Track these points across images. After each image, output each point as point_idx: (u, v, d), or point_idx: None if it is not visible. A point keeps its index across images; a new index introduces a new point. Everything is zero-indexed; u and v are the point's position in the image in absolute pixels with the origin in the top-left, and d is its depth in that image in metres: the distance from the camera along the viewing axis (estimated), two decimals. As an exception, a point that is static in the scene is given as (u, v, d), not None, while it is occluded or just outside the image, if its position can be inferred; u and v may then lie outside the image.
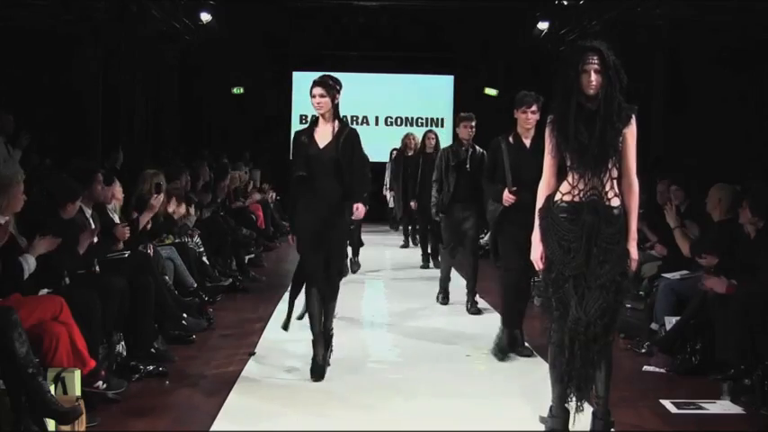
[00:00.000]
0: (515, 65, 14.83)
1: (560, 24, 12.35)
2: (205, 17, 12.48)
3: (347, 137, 5.15)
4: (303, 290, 5.23)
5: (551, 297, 3.88)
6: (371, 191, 9.43)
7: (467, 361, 5.71)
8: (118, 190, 6.28)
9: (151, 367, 5.07)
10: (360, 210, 5.20)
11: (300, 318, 5.36)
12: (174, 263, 6.66)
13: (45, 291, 4.66)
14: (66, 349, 4.23)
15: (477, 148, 7.17)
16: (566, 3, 11.84)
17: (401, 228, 12.38)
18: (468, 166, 7.12)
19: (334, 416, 4.46)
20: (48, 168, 8.49)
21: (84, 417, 4.01)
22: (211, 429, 4.22)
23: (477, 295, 7.34)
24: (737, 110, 10.52)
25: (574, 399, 3.91)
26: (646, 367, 5.48)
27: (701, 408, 4.68)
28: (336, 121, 5.19)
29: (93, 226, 5.42)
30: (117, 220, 6.01)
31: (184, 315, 6.03)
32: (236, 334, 6.32)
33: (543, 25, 12.73)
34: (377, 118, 16.35)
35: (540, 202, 3.97)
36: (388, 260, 10.80)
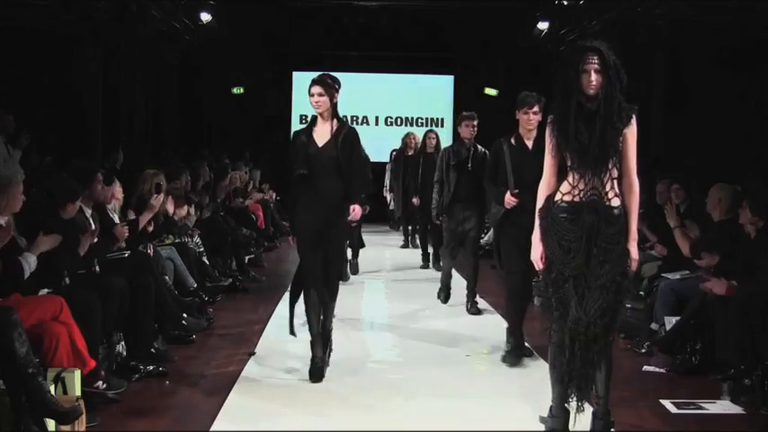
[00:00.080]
0: (515, 65, 14.83)
1: (560, 24, 12.34)
2: (205, 17, 12.47)
3: (346, 136, 5.13)
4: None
5: (551, 297, 3.88)
6: (372, 192, 9.48)
7: (467, 361, 5.71)
8: (118, 190, 6.28)
9: (151, 367, 5.07)
10: (356, 211, 5.17)
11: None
12: (174, 263, 6.66)
13: (45, 291, 4.66)
14: (66, 349, 4.23)
15: (479, 147, 7.14)
16: (566, 3, 11.83)
17: (401, 228, 12.38)
18: (469, 165, 7.09)
19: (334, 416, 4.47)
20: (48, 166, 8.50)
21: (84, 417, 4.01)
22: (211, 429, 4.22)
23: (477, 295, 7.33)
24: (737, 110, 10.52)
25: (574, 399, 3.91)
26: (646, 367, 5.48)
27: (701, 408, 4.68)
28: (335, 120, 5.16)
29: (93, 226, 5.42)
30: (117, 220, 6.02)
31: (184, 315, 6.03)
32: (236, 334, 6.32)
33: (543, 25, 12.72)
34: (377, 118, 16.35)
35: (540, 202, 3.97)
36: (387, 260, 10.79)
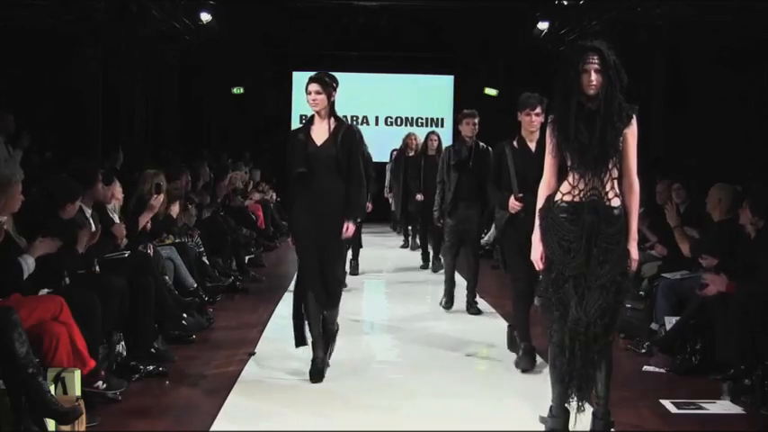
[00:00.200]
0: (515, 65, 14.84)
1: (560, 24, 12.35)
2: (205, 17, 12.48)
3: (345, 134, 5.08)
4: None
5: (551, 297, 3.88)
6: (375, 190, 9.45)
7: (467, 361, 5.71)
8: (118, 190, 6.28)
9: (151, 367, 5.07)
10: (350, 230, 5.07)
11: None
12: (174, 263, 6.66)
13: (45, 291, 4.66)
14: (66, 349, 4.23)
15: (481, 144, 7.07)
16: (566, 3, 11.84)
17: (401, 229, 12.38)
18: (470, 164, 7.02)
19: (335, 416, 4.46)
20: (48, 163, 8.51)
21: (84, 417, 4.01)
22: (211, 429, 4.22)
23: (477, 296, 7.32)
24: (737, 110, 10.52)
25: (574, 399, 3.91)
26: (646, 367, 5.48)
27: (701, 408, 4.68)
28: (332, 119, 5.11)
29: (93, 226, 5.42)
30: (117, 220, 6.01)
31: (184, 315, 6.03)
32: (236, 334, 6.32)
33: (543, 25, 12.73)
34: (377, 118, 16.35)
35: (540, 202, 3.97)
36: (388, 261, 10.79)
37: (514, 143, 5.48)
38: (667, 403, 4.71)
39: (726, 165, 9.10)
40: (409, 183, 9.74)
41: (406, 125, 15.94)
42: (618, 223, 3.83)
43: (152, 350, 5.32)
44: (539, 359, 5.29)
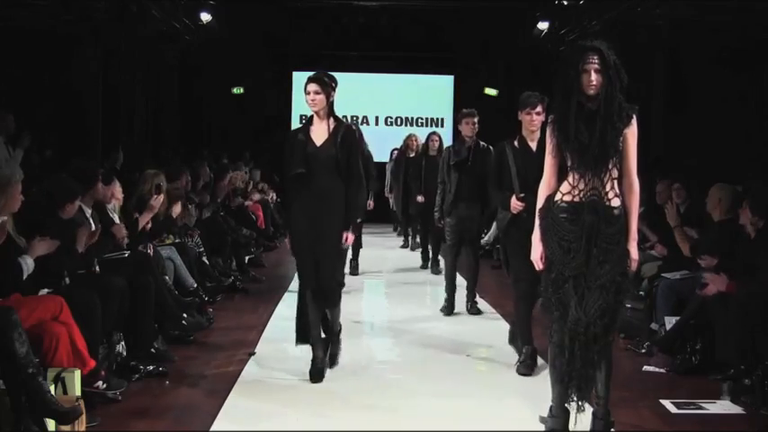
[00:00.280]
0: (515, 65, 14.84)
1: (560, 24, 12.35)
2: (205, 17, 12.48)
3: (345, 134, 5.06)
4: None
5: (551, 297, 3.88)
6: (377, 189, 9.43)
7: (467, 361, 5.70)
8: (118, 190, 6.28)
9: (151, 367, 5.07)
10: (348, 239, 5.08)
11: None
12: (174, 263, 6.66)
13: (45, 291, 4.66)
14: (66, 349, 4.23)
15: (482, 143, 7.04)
16: (566, 3, 11.84)
17: (400, 229, 12.38)
18: (470, 163, 6.99)
19: (335, 416, 4.46)
20: (49, 162, 8.51)
21: (84, 417, 4.01)
22: (211, 429, 4.22)
23: (477, 295, 7.32)
24: (737, 110, 10.52)
25: (574, 399, 3.91)
26: (646, 367, 5.47)
27: (701, 408, 4.68)
28: (332, 119, 5.09)
29: (93, 226, 5.42)
30: (117, 220, 6.01)
31: (184, 315, 6.03)
32: (236, 334, 6.32)
33: (543, 25, 12.73)
34: (377, 118, 16.36)
35: (540, 202, 3.97)
36: (388, 261, 10.79)
37: (515, 143, 5.43)
38: (667, 403, 4.71)
39: (726, 165, 9.09)
40: (410, 183, 9.72)
41: (406, 125, 15.95)
42: (618, 223, 3.82)
43: (152, 350, 5.32)
44: (539, 360, 5.28)
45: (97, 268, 5.41)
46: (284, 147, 5.19)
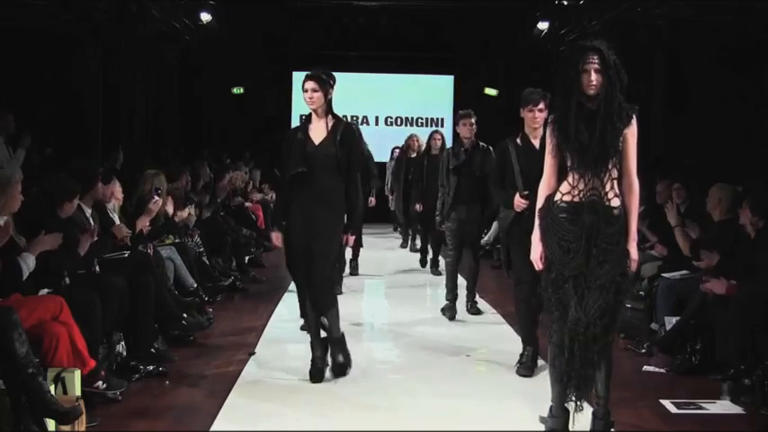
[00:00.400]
0: (515, 65, 14.83)
1: (560, 24, 12.35)
2: (205, 17, 12.48)
3: (344, 133, 5.00)
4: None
5: (551, 297, 3.88)
6: (378, 185, 9.37)
7: (467, 361, 5.70)
8: (118, 190, 6.28)
9: (151, 367, 5.08)
10: (350, 241, 5.10)
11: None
12: (174, 263, 6.66)
13: (45, 291, 4.66)
14: (66, 349, 4.23)
15: (481, 144, 7.00)
16: (566, 3, 11.84)
17: (400, 230, 12.37)
18: (468, 166, 6.93)
19: (335, 416, 4.47)
20: (49, 160, 8.51)
21: (84, 417, 4.01)
22: (211, 429, 4.23)
23: (477, 295, 7.31)
24: (737, 110, 10.52)
25: (574, 399, 3.91)
26: (646, 367, 5.48)
27: (701, 408, 4.68)
28: (330, 117, 5.03)
29: (92, 225, 5.41)
30: (117, 220, 6.01)
31: (184, 315, 6.03)
32: (236, 334, 6.32)
33: (543, 25, 12.73)
34: (377, 118, 16.36)
35: (540, 202, 3.97)
36: (388, 261, 10.77)
37: (518, 140, 5.37)
38: (667, 403, 4.71)
39: (726, 165, 9.09)
40: (411, 184, 9.67)
41: (406, 125, 15.95)
42: (617, 223, 3.82)
43: (152, 350, 5.32)
44: (540, 361, 5.27)
45: (97, 268, 5.41)
46: (282, 146, 5.15)
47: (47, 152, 8.83)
